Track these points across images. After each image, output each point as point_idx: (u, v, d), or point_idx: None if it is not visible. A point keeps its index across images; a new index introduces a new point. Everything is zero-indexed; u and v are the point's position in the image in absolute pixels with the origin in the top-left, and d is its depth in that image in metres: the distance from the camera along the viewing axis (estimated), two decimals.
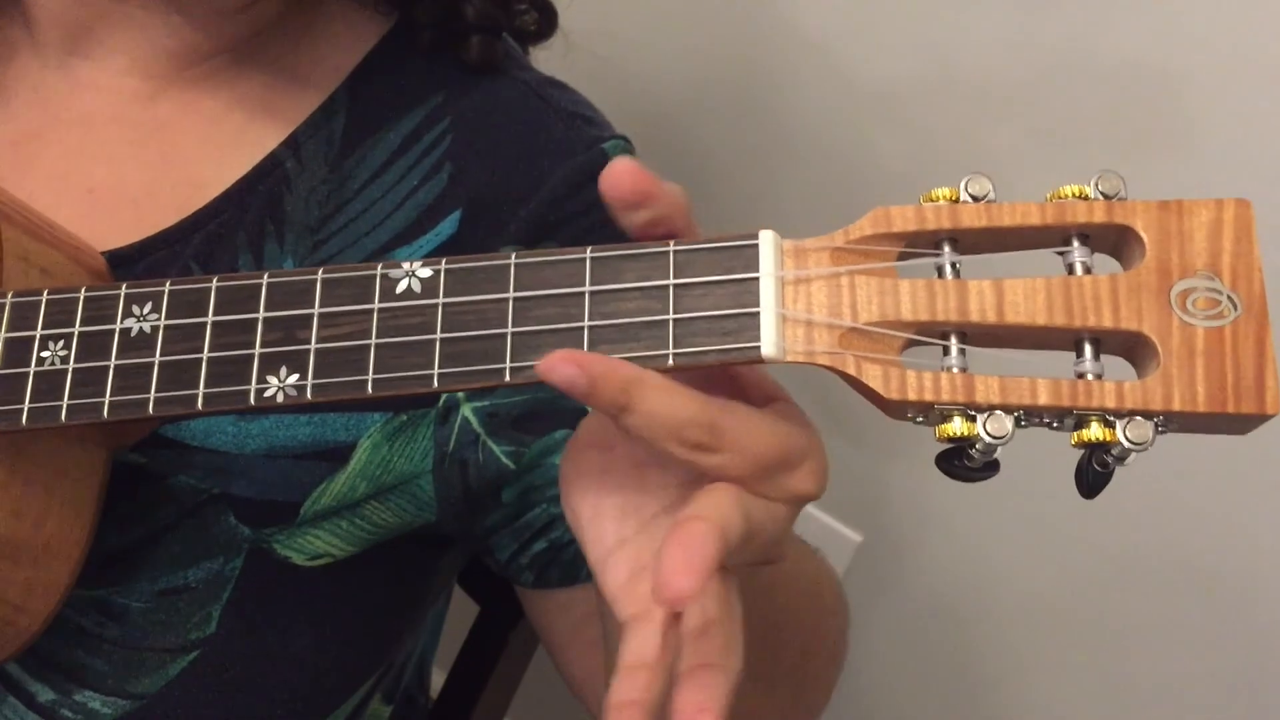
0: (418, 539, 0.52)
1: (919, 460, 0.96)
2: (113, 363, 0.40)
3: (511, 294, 0.36)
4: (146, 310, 0.40)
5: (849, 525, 0.92)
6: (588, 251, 0.36)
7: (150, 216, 0.49)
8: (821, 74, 0.82)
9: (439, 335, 0.37)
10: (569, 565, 0.51)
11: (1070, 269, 0.34)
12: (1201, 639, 0.82)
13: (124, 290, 0.41)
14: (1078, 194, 0.34)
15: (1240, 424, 0.32)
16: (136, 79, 0.51)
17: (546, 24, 0.57)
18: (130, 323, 0.40)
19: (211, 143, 0.50)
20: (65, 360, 0.40)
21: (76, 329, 0.41)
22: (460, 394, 0.49)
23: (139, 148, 0.50)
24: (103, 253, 0.48)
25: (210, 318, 0.39)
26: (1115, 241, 0.34)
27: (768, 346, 0.34)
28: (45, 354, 0.41)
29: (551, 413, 0.49)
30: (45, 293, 0.42)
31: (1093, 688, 0.86)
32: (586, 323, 0.36)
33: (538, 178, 0.50)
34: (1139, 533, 0.81)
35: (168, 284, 0.40)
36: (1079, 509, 0.91)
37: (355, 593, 0.52)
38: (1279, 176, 0.68)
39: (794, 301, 0.34)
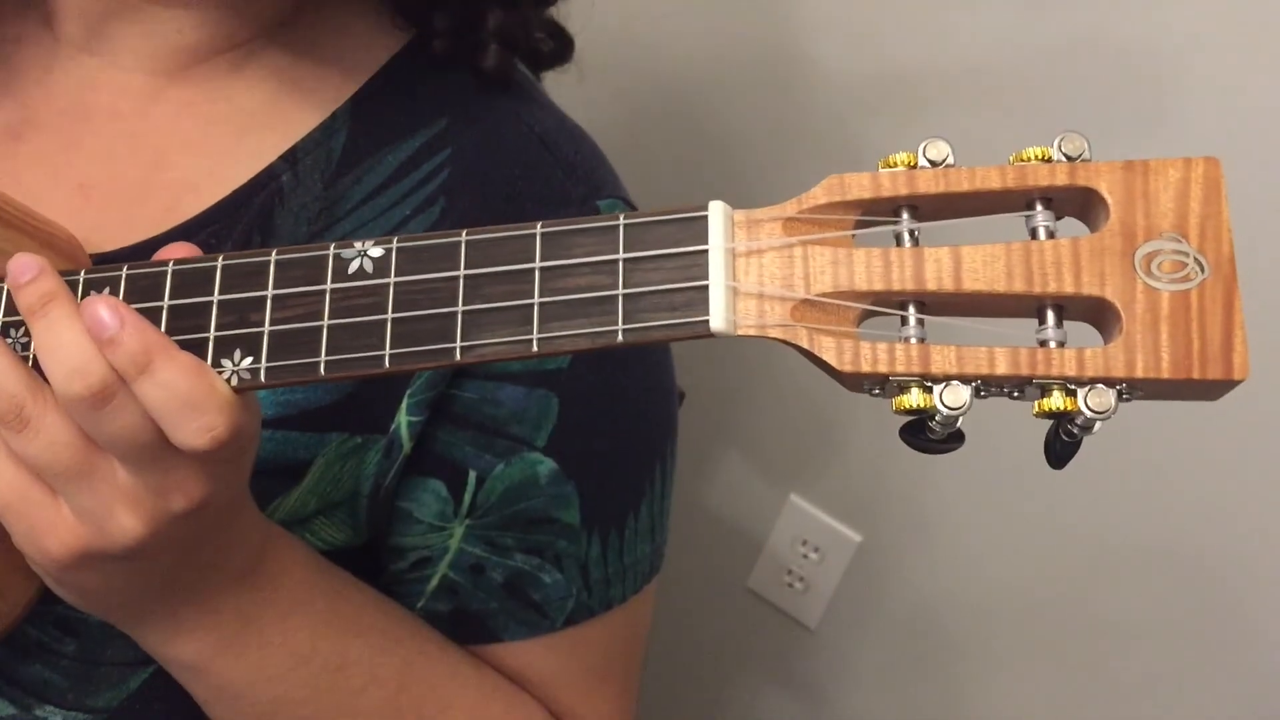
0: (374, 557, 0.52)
1: (918, 461, 0.94)
2: None
3: (462, 272, 0.36)
4: (105, 294, 0.40)
5: (849, 525, 0.91)
6: (538, 227, 0.36)
7: (139, 216, 0.48)
8: (823, 71, 0.81)
9: (390, 315, 0.36)
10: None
11: (1033, 234, 0.33)
12: (1199, 638, 0.80)
13: (82, 275, 0.41)
14: (1041, 156, 0.33)
15: (1208, 390, 0.30)
16: (141, 75, 0.51)
17: (561, 51, 0.56)
18: None
19: (207, 147, 0.50)
20: (26, 347, 0.40)
21: None
22: (404, 434, 0.48)
23: (134, 145, 0.50)
24: (90, 256, 0.47)
25: (166, 301, 0.39)
26: (1080, 204, 0.33)
27: (717, 320, 0.33)
28: (7, 340, 0.41)
29: None
30: (5, 279, 0.42)
31: (1093, 685, 0.85)
32: (537, 300, 0.35)
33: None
34: (1138, 529, 0.80)
35: (125, 268, 0.40)
36: (1079, 509, 0.90)
37: None
38: (1274, 165, 0.67)
39: (745, 274, 0.33)
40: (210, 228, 0.48)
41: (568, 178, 0.51)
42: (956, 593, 0.89)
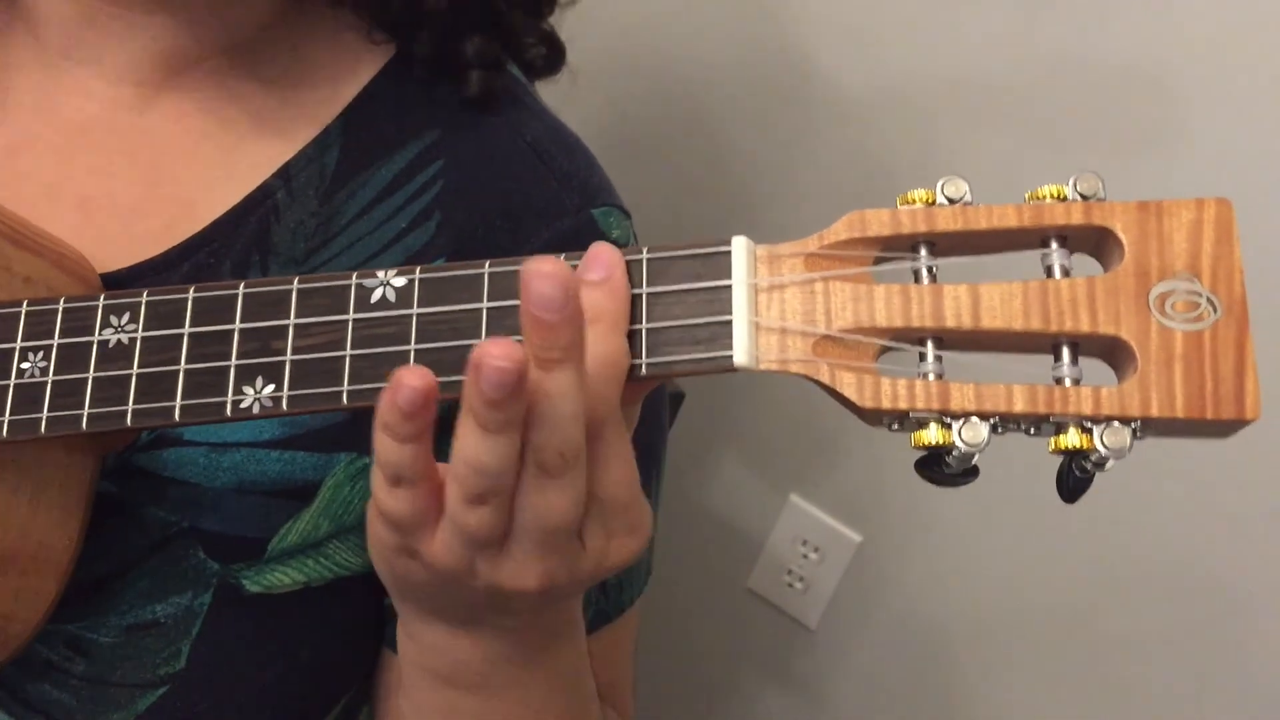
0: None
1: None
2: (91, 374, 0.40)
3: (485, 304, 0.36)
4: (124, 321, 0.40)
5: (849, 525, 0.92)
6: (560, 259, 0.36)
7: (139, 233, 0.48)
8: (824, 79, 0.81)
9: (413, 346, 0.36)
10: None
11: (1049, 271, 0.33)
12: (1197, 639, 0.81)
13: (101, 301, 0.41)
14: (1056, 195, 0.33)
15: (1220, 429, 0.31)
16: (129, 86, 0.50)
17: (554, 61, 0.56)
18: (108, 334, 0.40)
19: (202, 161, 0.50)
20: (45, 372, 0.40)
21: (55, 340, 0.41)
22: None
23: (130, 159, 0.50)
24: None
25: (187, 329, 0.39)
26: (1095, 243, 0.34)
27: (740, 355, 0.33)
28: (25, 365, 0.41)
29: None
30: (25, 304, 0.42)
31: (1091, 685, 0.86)
32: None
33: (522, 237, 0.49)
34: (1139, 531, 0.81)
35: (145, 294, 0.40)
36: (1077, 510, 0.91)
37: (326, 619, 0.52)
38: (1272, 177, 0.68)
39: (767, 308, 0.34)
40: (209, 246, 0.48)
41: (562, 187, 0.50)
42: (956, 593, 0.90)
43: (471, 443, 0.32)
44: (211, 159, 0.50)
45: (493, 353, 0.30)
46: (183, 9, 0.49)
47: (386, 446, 0.33)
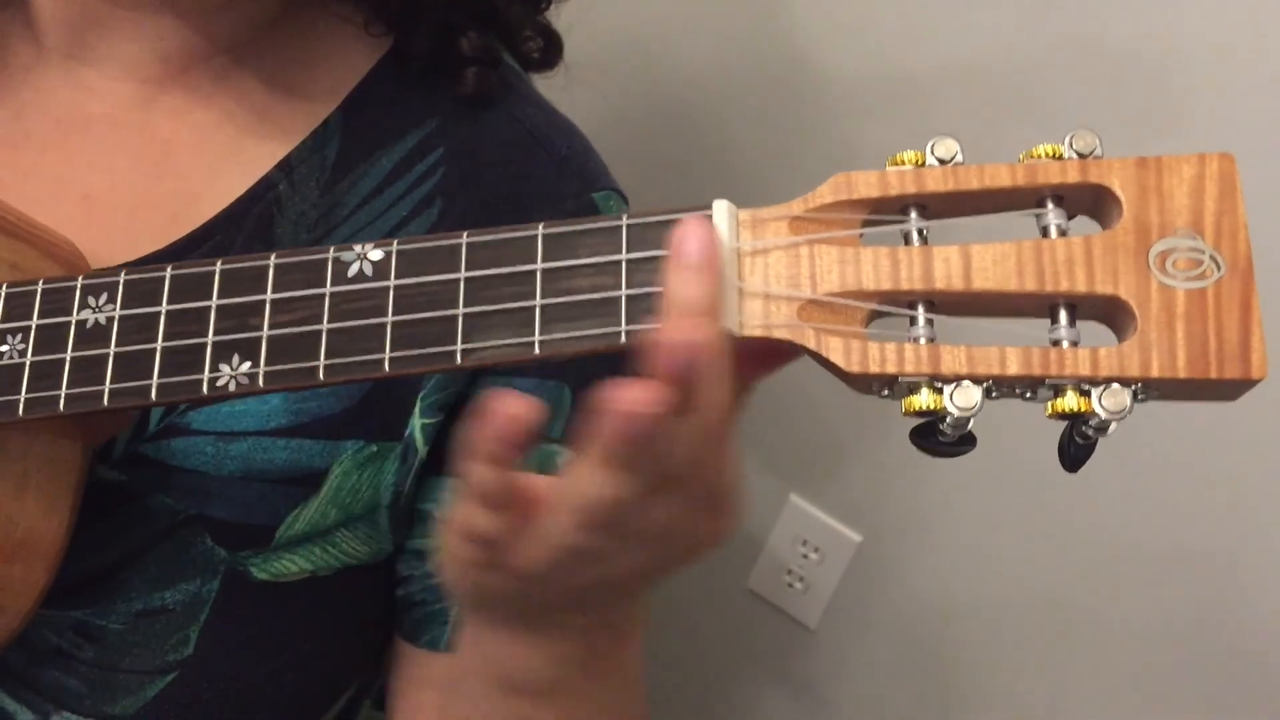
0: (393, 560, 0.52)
1: (918, 461, 0.94)
2: (69, 355, 0.39)
3: (463, 274, 0.35)
4: (102, 301, 0.40)
5: (849, 525, 0.91)
6: (539, 228, 0.35)
7: (142, 228, 0.49)
8: (822, 72, 0.81)
9: (390, 318, 0.36)
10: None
11: (1044, 232, 0.32)
12: (1200, 639, 0.80)
13: (80, 282, 0.40)
14: (1051, 154, 0.32)
15: (1225, 390, 0.30)
16: (132, 83, 0.51)
17: (550, 55, 0.56)
18: (86, 314, 0.40)
19: (205, 155, 0.50)
20: (23, 354, 0.40)
21: (34, 321, 0.40)
22: (419, 438, 0.48)
23: (134, 155, 0.50)
24: (97, 270, 0.47)
25: (164, 307, 0.38)
26: (1092, 202, 0.33)
27: (722, 320, 0.32)
28: (4, 348, 0.40)
29: None
30: (4, 286, 0.41)
31: (1093, 687, 0.85)
32: (539, 301, 0.34)
33: (522, 222, 0.49)
34: (1140, 530, 0.80)
35: (123, 274, 0.40)
36: (1078, 507, 0.89)
37: (333, 608, 0.52)
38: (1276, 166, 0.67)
39: (751, 273, 0.33)
40: (212, 239, 0.48)
41: (561, 172, 0.51)
42: (956, 593, 0.89)
43: (602, 479, 0.31)
44: (214, 154, 0.50)
45: (637, 399, 0.30)
46: (188, 8, 0.49)
47: (483, 472, 0.32)
